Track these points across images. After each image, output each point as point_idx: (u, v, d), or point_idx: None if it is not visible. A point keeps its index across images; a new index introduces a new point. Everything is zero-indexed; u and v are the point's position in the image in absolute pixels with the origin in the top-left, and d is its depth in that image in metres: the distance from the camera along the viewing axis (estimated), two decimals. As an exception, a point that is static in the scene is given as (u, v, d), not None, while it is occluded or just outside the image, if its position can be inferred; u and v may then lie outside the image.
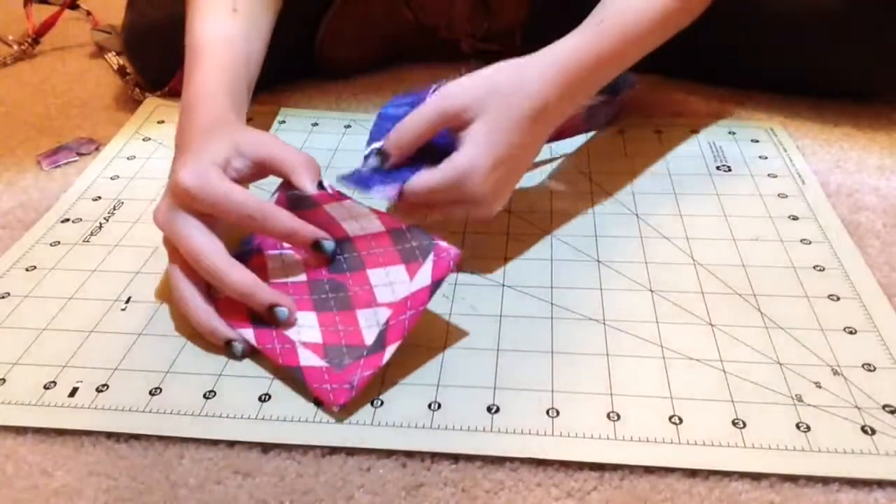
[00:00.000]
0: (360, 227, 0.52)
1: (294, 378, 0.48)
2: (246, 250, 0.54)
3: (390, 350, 0.47)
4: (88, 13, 1.02)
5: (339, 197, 0.52)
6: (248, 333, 0.50)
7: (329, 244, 0.52)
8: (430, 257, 0.49)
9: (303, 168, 0.52)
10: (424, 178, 0.52)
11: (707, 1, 0.63)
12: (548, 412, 0.46)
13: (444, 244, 0.49)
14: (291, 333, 0.50)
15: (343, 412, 0.46)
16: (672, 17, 0.60)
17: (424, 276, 0.49)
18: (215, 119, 0.55)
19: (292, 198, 0.53)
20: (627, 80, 0.74)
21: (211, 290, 0.51)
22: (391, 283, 0.50)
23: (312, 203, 0.52)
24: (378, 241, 0.51)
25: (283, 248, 0.54)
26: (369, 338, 0.48)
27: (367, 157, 0.55)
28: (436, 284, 0.49)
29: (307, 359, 0.48)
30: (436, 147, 0.53)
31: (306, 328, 0.50)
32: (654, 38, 0.60)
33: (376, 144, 0.55)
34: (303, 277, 0.53)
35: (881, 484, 0.42)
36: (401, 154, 0.53)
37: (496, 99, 0.52)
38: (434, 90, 0.56)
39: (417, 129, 0.53)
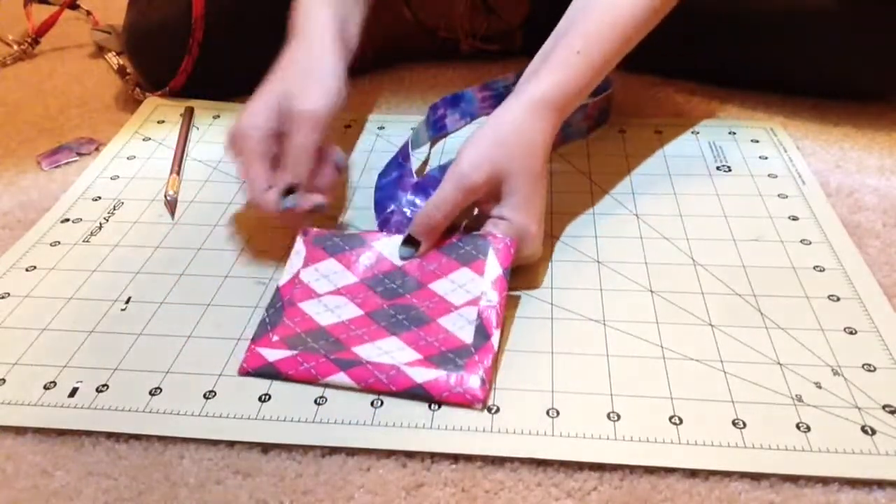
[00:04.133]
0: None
1: (416, 397, 0.47)
2: (277, 307, 0.53)
3: (496, 337, 0.49)
4: (88, 13, 1.02)
5: (385, 233, 0.56)
6: (343, 379, 0.48)
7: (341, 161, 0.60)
8: (490, 251, 0.52)
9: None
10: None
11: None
12: (548, 412, 0.46)
13: (497, 236, 0.52)
14: (385, 360, 0.48)
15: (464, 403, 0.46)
16: (642, 23, 0.59)
17: (493, 267, 0.52)
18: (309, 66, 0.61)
19: (330, 239, 0.56)
20: (600, 85, 0.74)
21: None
22: (462, 285, 0.52)
23: (360, 241, 0.55)
24: (429, 260, 0.54)
25: (317, 297, 0.53)
26: (467, 336, 0.49)
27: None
28: (506, 272, 0.52)
29: (420, 375, 0.47)
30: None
31: (396, 351, 0.49)
32: (627, 48, 0.60)
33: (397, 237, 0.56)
34: (359, 312, 0.52)
35: (881, 484, 0.42)
36: (433, 239, 0.54)
37: (512, 165, 0.53)
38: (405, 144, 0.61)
39: (443, 211, 0.53)
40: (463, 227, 0.56)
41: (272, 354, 0.49)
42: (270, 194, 0.56)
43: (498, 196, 0.54)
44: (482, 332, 0.49)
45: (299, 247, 0.56)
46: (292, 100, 0.58)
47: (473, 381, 0.47)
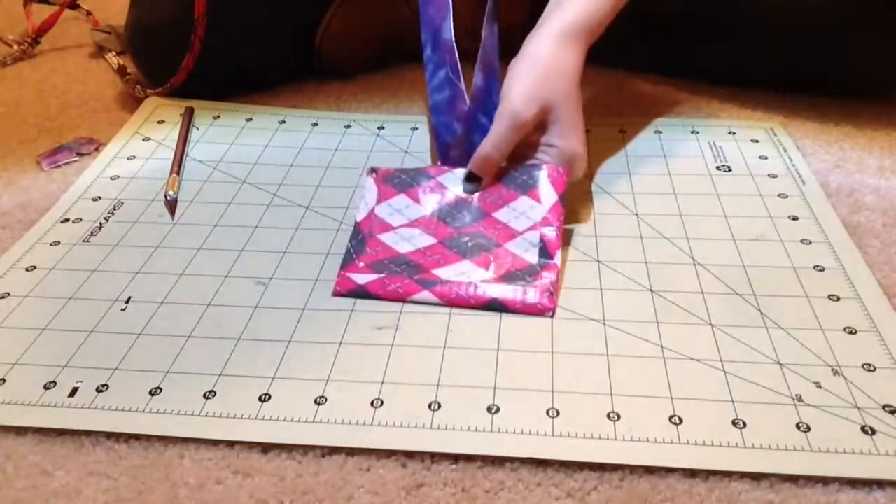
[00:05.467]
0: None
1: (493, 309, 0.53)
2: (359, 238, 0.59)
3: (558, 256, 0.56)
4: (88, 13, 1.02)
5: (448, 168, 0.61)
6: (428, 296, 0.54)
7: None
8: (545, 178, 0.59)
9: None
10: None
11: None
12: (548, 412, 0.46)
13: (550, 164, 0.59)
14: (463, 279, 0.54)
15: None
16: None
17: (549, 194, 0.58)
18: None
19: (397, 176, 0.61)
20: None
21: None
22: (523, 212, 0.58)
23: (426, 176, 0.61)
24: (490, 192, 0.60)
25: (393, 229, 0.59)
26: (532, 258, 0.56)
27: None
28: (562, 197, 0.58)
29: (496, 290, 0.54)
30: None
31: (472, 272, 0.55)
32: None
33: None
34: (432, 240, 0.58)
35: (881, 484, 0.42)
36: (491, 174, 0.59)
37: (556, 97, 0.58)
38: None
39: (500, 149, 0.58)
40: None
41: (361, 278, 0.55)
42: None
43: (545, 126, 0.59)
44: (545, 252, 0.56)
45: (370, 184, 0.62)
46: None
47: (543, 294, 0.53)
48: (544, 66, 0.58)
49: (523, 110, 0.57)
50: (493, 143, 0.58)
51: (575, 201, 0.64)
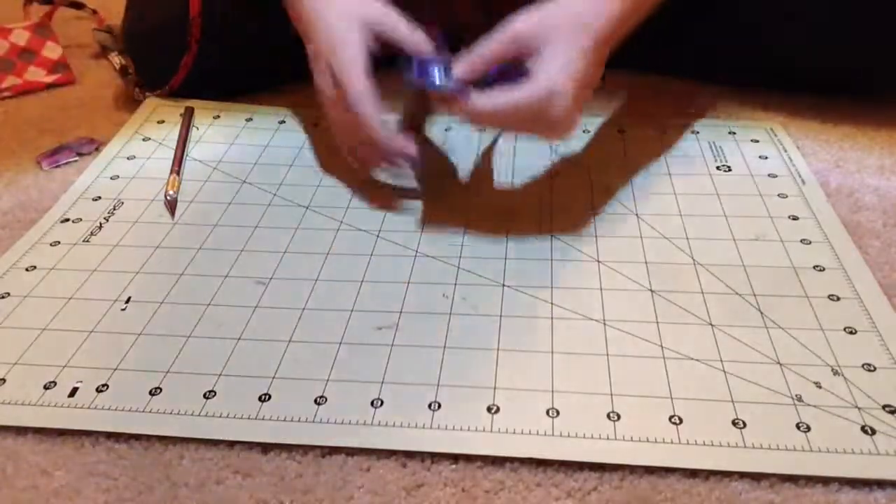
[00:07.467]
0: None
1: None
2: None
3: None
4: (94, 11, 1.02)
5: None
6: None
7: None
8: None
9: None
10: (509, 95, 0.53)
11: None
12: (548, 412, 0.46)
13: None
14: None
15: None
16: None
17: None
18: None
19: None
20: None
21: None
22: None
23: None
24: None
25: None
26: None
27: (422, 67, 0.57)
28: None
29: None
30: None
31: None
32: None
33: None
34: None
35: (881, 484, 0.42)
36: (470, 74, 0.55)
37: (557, 34, 0.54)
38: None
39: (489, 52, 0.54)
40: None
41: None
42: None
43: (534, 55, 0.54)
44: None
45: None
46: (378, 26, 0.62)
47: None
48: (561, 5, 0.55)
49: (517, 22, 0.54)
50: (479, 51, 0.55)
51: (575, 201, 0.65)
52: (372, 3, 0.63)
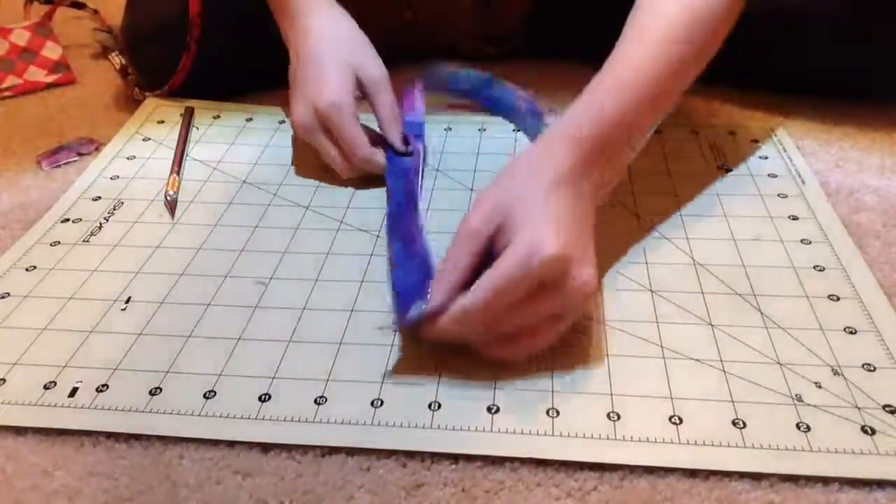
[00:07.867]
0: None
1: None
2: None
3: None
4: (95, 11, 1.02)
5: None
6: None
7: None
8: None
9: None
10: (489, 274, 0.45)
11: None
12: (548, 412, 0.46)
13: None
14: None
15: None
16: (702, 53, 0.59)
17: None
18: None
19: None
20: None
21: None
22: None
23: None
24: None
25: None
26: None
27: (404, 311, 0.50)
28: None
29: None
30: None
31: None
32: (685, 80, 0.58)
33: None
34: None
35: (881, 484, 0.42)
36: (450, 294, 0.47)
37: (510, 196, 0.48)
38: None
39: (460, 267, 0.47)
40: None
41: None
42: (378, 153, 0.66)
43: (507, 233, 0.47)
44: None
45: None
46: (360, 69, 0.67)
47: None
48: (511, 167, 0.51)
49: (471, 216, 0.48)
50: (448, 266, 0.48)
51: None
52: (360, 49, 0.69)
